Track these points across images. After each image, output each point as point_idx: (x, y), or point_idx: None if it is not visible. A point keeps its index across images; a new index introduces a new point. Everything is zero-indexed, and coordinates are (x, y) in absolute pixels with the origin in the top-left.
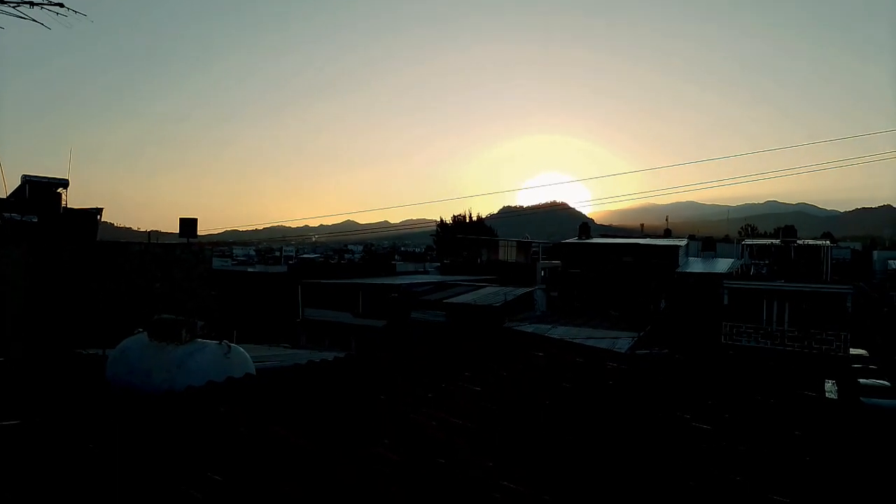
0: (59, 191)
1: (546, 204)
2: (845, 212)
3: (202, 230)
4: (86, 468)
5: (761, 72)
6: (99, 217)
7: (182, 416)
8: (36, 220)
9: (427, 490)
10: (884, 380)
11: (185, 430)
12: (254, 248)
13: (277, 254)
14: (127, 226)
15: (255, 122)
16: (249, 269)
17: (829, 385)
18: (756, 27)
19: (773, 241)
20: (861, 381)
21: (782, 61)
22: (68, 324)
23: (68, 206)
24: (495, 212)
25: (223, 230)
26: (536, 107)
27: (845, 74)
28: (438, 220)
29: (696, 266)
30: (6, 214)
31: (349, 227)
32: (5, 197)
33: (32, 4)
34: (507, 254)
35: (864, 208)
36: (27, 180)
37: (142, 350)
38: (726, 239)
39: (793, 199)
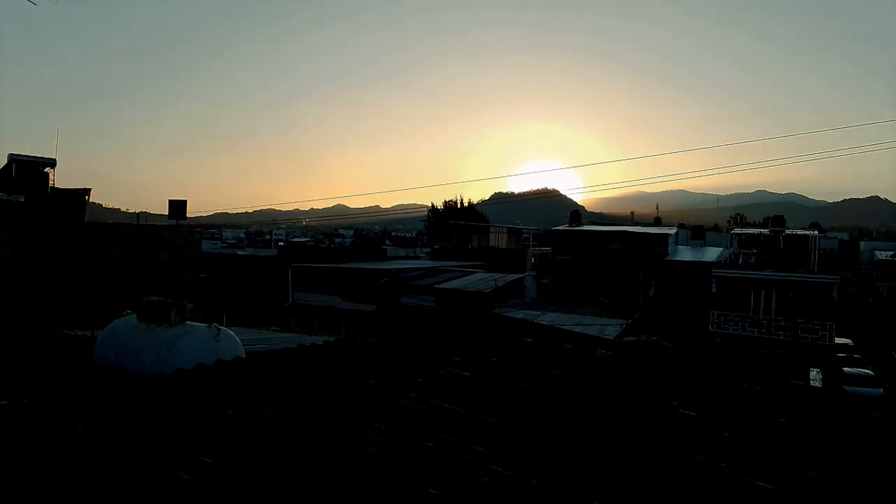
0: (46, 170)
1: (537, 191)
2: (833, 202)
3: (192, 212)
4: (74, 450)
5: (751, 61)
6: (87, 197)
7: (172, 398)
8: (23, 200)
9: (414, 473)
10: (867, 368)
11: (175, 412)
12: (244, 230)
13: (267, 237)
14: (116, 206)
15: (247, 106)
16: (239, 252)
17: (815, 373)
18: (746, 17)
19: (762, 230)
20: (845, 369)
21: (772, 51)
22: (56, 305)
23: (56, 185)
24: (487, 198)
25: (213, 212)
26: (529, 95)
27: (836, 66)
28: (430, 205)
29: (685, 254)
30: None
31: (340, 211)
32: None
33: None
34: (497, 240)
35: (852, 199)
36: (14, 159)
37: (131, 332)
38: (715, 228)
39: (782, 188)
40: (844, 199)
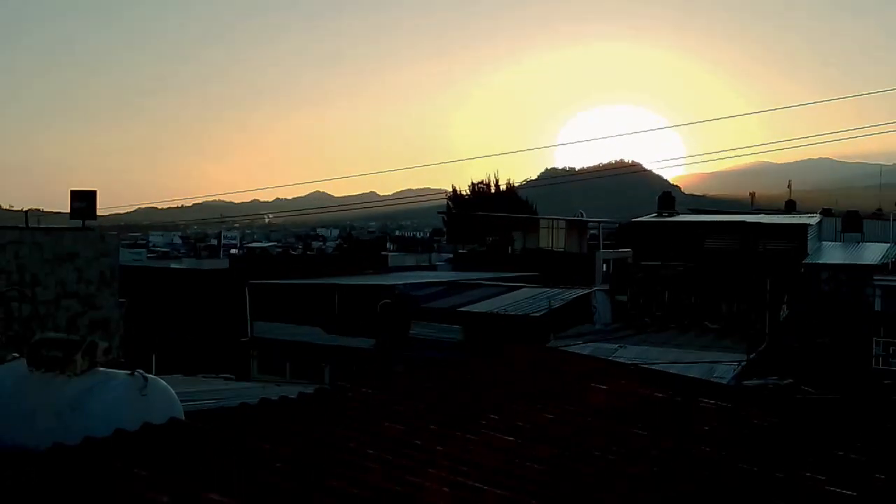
0: None
1: (609, 165)
2: None
3: (105, 208)
4: None
5: None
6: None
7: (77, 480)
8: None
9: None
10: None
11: (83, 500)
12: (179, 233)
13: (214, 241)
14: None
15: (184, 56)
16: (174, 265)
17: None
18: None
19: None
20: None
21: None
22: None
23: None
24: (534, 177)
25: (135, 208)
26: (597, 20)
27: None
28: (450, 189)
29: (833, 254)
30: None
31: (319, 200)
32: None
33: None
34: (551, 238)
35: None
36: None
37: (18, 385)
38: (878, 214)
39: None
40: None
